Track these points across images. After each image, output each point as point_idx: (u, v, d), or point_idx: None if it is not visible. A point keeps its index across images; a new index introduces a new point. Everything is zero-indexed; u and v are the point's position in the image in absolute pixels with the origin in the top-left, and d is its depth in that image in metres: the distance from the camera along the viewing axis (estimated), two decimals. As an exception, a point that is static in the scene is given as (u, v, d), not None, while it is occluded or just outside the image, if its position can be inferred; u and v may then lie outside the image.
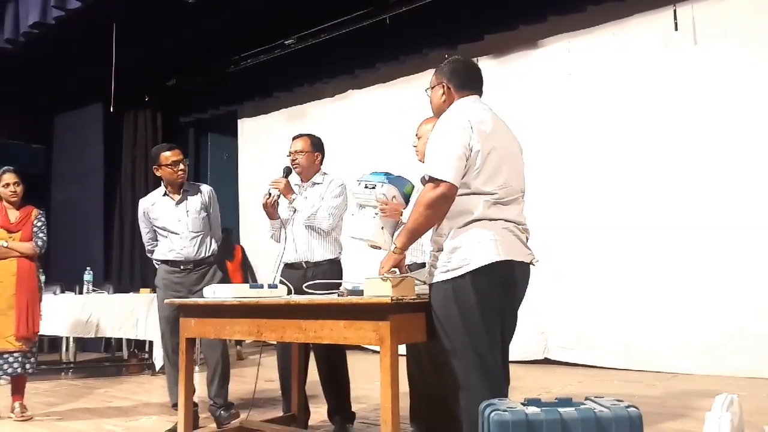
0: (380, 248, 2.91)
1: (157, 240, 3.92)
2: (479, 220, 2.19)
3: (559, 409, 1.77)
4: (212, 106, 8.65)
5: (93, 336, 6.01)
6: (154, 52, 7.67)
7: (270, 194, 3.53)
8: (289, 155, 3.61)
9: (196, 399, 3.50)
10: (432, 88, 2.48)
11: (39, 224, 4.31)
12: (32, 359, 4.21)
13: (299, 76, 7.51)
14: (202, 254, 3.85)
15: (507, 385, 2.29)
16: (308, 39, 6.78)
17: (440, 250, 2.23)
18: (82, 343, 7.06)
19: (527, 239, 2.32)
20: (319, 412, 3.74)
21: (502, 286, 2.21)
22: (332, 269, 3.48)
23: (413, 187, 2.94)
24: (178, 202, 3.86)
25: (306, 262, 3.48)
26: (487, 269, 2.15)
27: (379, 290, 2.22)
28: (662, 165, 5.39)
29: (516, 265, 2.23)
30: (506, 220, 2.23)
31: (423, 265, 2.82)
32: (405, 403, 2.51)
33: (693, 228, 5.18)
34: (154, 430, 3.83)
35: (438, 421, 2.93)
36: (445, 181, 2.15)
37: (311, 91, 7.77)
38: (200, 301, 2.95)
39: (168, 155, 3.82)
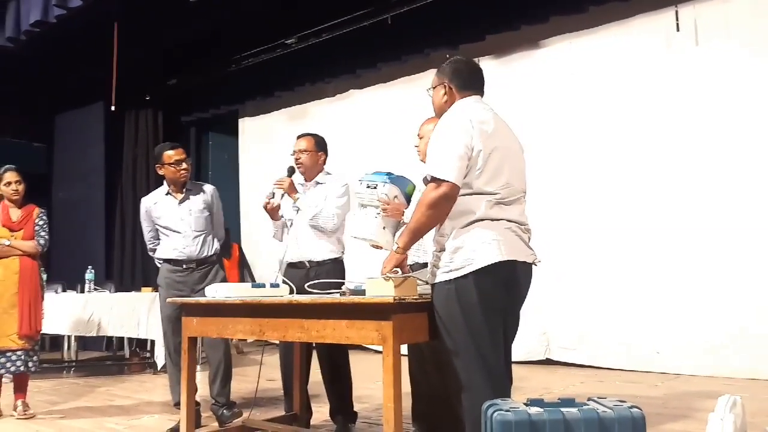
0: (382, 248, 2.91)
1: (158, 239, 3.92)
2: (481, 220, 2.19)
3: (562, 410, 1.78)
4: (213, 106, 8.66)
5: (95, 335, 6.03)
6: (155, 51, 7.68)
7: (273, 194, 3.51)
8: (293, 154, 3.61)
9: (198, 398, 3.51)
10: (433, 88, 2.49)
11: (41, 223, 4.32)
12: (35, 357, 4.23)
13: (300, 75, 7.51)
14: (205, 253, 3.85)
15: (510, 385, 2.29)
16: (310, 38, 6.78)
17: (442, 250, 2.24)
18: (83, 342, 7.07)
19: (529, 239, 2.33)
20: (321, 412, 3.75)
21: (504, 286, 2.21)
22: (335, 269, 3.48)
23: (415, 187, 2.94)
24: (181, 201, 3.86)
25: (309, 262, 3.48)
26: (490, 269, 2.15)
27: (381, 290, 2.23)
28: (663, 165, 5.39)
29: (518, 265, 2.23)
30: (508, 220, 2.23)
31: (425, 265, 2.82)
32: (407, 402, 2.51)
33: (694, 229, 5.18)
34: (155, 428, 3.83)
35: (440, 421, 2.93)
36: (447, 181, 2.15)
37: (313, 90, 7.77)
38: (202, 300, 2.95)
39: (171, 154, 3.82)
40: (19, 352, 4.12)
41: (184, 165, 3.84)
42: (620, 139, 5.62)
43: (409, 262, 2.92)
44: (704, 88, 5.24)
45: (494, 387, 2.10)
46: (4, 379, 4.25)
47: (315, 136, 3.67)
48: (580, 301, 5.69)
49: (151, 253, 4.01)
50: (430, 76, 2.57)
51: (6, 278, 4.14)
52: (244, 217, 8.69)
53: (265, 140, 8.55)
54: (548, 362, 5.79)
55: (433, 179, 2.18)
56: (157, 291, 6.02)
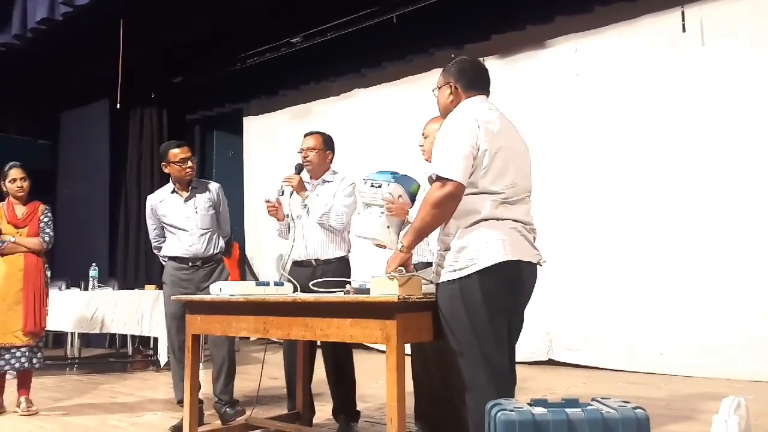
0: (386, 247, 2.91)
1: (164, 237, 3.94)
2: (486, 219, 2.19)
3: (566, 410, 1.77)
4: (218, 104, 8.67)
5: (98, 332, 6.03)
6: (160, 49, 7.68)
7: (282, 191, 3.50)
8: (300, 152, 3.61)
9: (201, 396, 3.51)
10: (439, 88, 2.49)
11: (46, 219, 4.33)
12: (39, 354, 4.23)
13: (305, 74, 7.52)
14: (211, 251, 3.86)
15: (513, 386, 2.29)
16: (315, 37, 6.78)
17: (447, 249, 2.24)
18: (86, 339, 7.08)
19: (534, 239, 2.32)
20: (323, 411, 3.75)
21: (509, 286, 2.21)
22: (341, 267, 3.49)
23: (419, 186, 2.95)
24: (187, 199, 3.87)
25: (316, 260, 3.49)
26: (495, 269, 2.15)
27: (385, 289, 2.23)
28: (669, 166, 5.38)
29: (523, 265, 2.23)
30: (514, 220, 2.23)
31: (429, 264, 2.82)
32: (409, 402, 2.51)
33: (699, 230, 5.17)
34: (158, 426, 3.84)
35: (442, 420, 2.93)
36: (453, 180, 2.15)
37: (317, 89, 7.77)
38: (206, 298, 2.95)
39: (176, 152, 3.83)
40: (23, 349, 4.13)
41: (190, 163, 3.85)
42: (625, 140, 5.61)
43: (413, 261, 2.92)
44: (710, 89, 5.23)
45: (498, 387, 2.10)
46: (7, 376, 4.27)
47: (323, 134, 3.67)
48: (583, 301, 5.68)
49: (155, 251, 4.02)
50: (434, 75, 2.56)
51: (11, 275, 4.15)
52: (248, 215, 8.70)
53: (270, 139, 8.56)
54: (551, 363, 5.78)
55: (439, 178, 2.18)
56: (160, 288, 6.05)
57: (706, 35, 5.26)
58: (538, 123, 5.52)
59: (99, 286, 6.18)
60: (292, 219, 3.54)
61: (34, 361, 4.19)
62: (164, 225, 3.90)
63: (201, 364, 4.02)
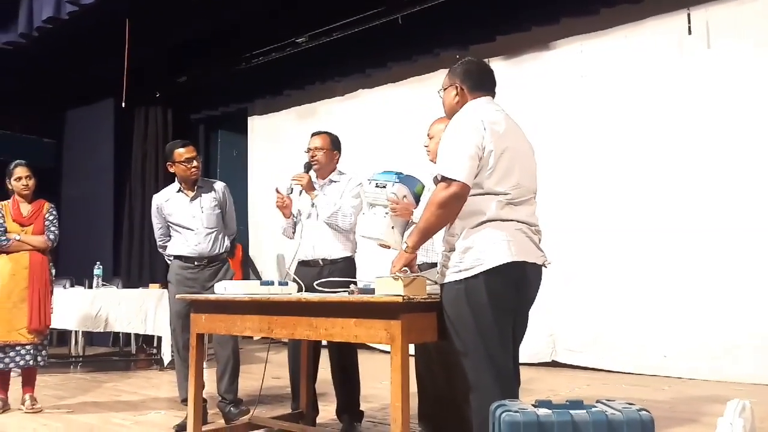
0: (390, 247, 2.91)
1: (169, 236, 3.95)
2: (492, 220, 2.19)
3: (571, 411, 1.77)
4: (223, 103, 8.68)
5: (102, 330, 6.05)
6: (165, 48, 7.70)
7: (291, 189, 3.50)
8: (308, 151, 3.61)
9: (204, 395, 3.51)
10: (445, 89, 2.49)
11: (51, 218, 4.34)
12: (43, 352, 4.25)
13: (310, 74, 7.53)
14: (216, 250, 3.87)
15: (518, 386, 2.29)
16: (320, 37, 6.78)
17: (452, 250, 2.24)
18: (90, 337, 7.10)
19: (540, 240, 2.32)
20: (327, 410, 3.75)
21: (514, 286, 2.21)
22: (348, 267, 3.50)
23: (424, 186, 2.95)
24: (193, 199, 3.88)
25: (323, 260, 3.49)
26: (500, 270, 2.15)
27: (390, 289, 2.22)
28: (674, 168, 5.37)
29: (528, 266, 2.23)
30: (519, 221, 2.23)
31: (434, 264, 2.82)
32: (413, 402, 2.51)
33: (704, 232, 5.15)
34: (162, 424, 3.84)
35: (446, 421, 2.94)
36: (458, 181, 2.15)
37: (322, 89, 7.78)
38: (211, 297, 2.96)
39: (182, 152, 3.84)
40: (28, 347, 4.15)
41: (195, 163, 3.86)
42: (630, 142, 5.60)
43: (418, 261, 2.92)
44: (716, 91, 5.22)
45: (502, 388, 2.10)
46: (12, 373, 4.28)
47: (330, 134, 3.68)
48: (587, 303, 5.67)
49: (161, 250, 4.03)
50: (440, 76, 2.57)
51: (16, 273, 4.17)
52: (252, 215, 8.71)
53: (274, 138, 8.57)
54: (554, 364, 5.77)
55: (444, 179, 2.18)
56: (164, 287, 6.07)
57: (712, 37, 5.25)
58: (543, 124, 5.52)
59: (103, 285, 6.20)
60: (300, 218, 3.54)
61: (39, 359, 4.21)
62: (170, 224, 3.91)
63: (205, 363, 4.03)
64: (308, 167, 3.56)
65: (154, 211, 3.97)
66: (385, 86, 7.35)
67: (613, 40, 5.77)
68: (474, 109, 2.31)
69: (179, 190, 3.91)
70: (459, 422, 2.66)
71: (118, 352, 7.18)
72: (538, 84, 6.10)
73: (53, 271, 4.42)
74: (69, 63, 7.51)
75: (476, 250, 2.17)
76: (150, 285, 6.43)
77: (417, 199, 2.88)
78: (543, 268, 2.33)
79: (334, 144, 3.65)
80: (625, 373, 5.35)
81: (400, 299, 2.15)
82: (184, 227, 3.85)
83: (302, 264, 3.54)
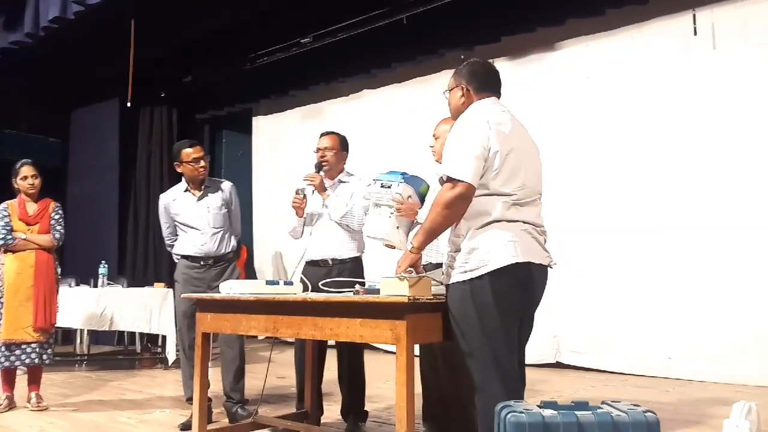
0: (395, 247, 2.92)
1: (176, 235, 3.96)
2: (498, 221, 2.19)
3: (576, 413, 1.77)
4: (228, 103, 8.69)
5: (107, 329, 6.07)
6: (171, 48, 7.71)
7: (304, 189, 3.50)
8: (317, 151, 3.61)
9: (209, 394, 3.52)
10: (450, 90, 2.49)
11: (56, 217, 4.36)
12: (49, 350, 4.26)
13: (315, 74, 7.53)
14: (223, 250, 3.88)
15: (523, 387, 2.29)
16: (325, 38, 6.78)
17: (458, 250, 2.24)
18: (95, 336, 7.12)
19: (545, 241, 2.32)
20: (331, 410, 3.76)
21: (520, 287, 2.21)
22: (357, 267, 3.52)
23: (429, 187, 2.95)
24: (200, 198, 3.89)
25: (333, 260, 3.49)
26: (506, 270, 2.15)
27: (395, 289, 2.23)
28: (679, 170, 5.36)
29: (534, 267, 2.23)
30: (524, 222, 2.23)
31: (439, 265, 2.82)
32: (417, 403, 2.52)
33: (710, 234, 5.14)
34: (167, 423, 3.86)
35: (451, 421, 2.94)
36: (463, 181, 2.15)
37: (327, 89, 7.79)
38: (217, 296, 2.96)
39: (189, 152, 3.85)
40: (33, 345, 4.16)
41: (203, 162, 3.88)
42: (635, 143, 5.59)
43: (423, 262, 2.92)
44: (721, 92, 5.20)
45: (508, 389, 2.10)
46: (18, 372, 4.30)
47: (339, 135, 3.68)
48: (591, 304, 5.66)
49: (169, 249, 4.04)
50: (444, 76, 2.57)
51: (22, 271, 4.18)
52: (257, 214, 8.72)
53: (279, 139, 8.59)
54: (558, 365, 5.77)
55: (449, 179, 2.18)
56: (169, 286, 6.09)
57: (718, 38, 5.23)
58: (547, 125, 5.51)
59: (108, 284, 6.21)
60: (311, 218, 3.53)
61: (44, 357, 4.22)
62: (176, 223, 3.92)
63: (210, 363, 4.04)
64: (319, 167, 3.56)
65: (161, 211, 3.98)
66: (389, 87, 7.35)
67: (619, 41, 5.76)
68: (479, 110, 2.32)
69: (186, 190, 3.92)
70: (464, 423, 2.67)
71: (123, 351, 7.20)
72: (543, 85, 6.09)
73: (59, 270, 4.44)
74: (75, 63, 7.53)
75: (482, 251, 2.17)
76: (155, 284, 6.44)
77: (422, 200, 2.89)
78: (549, 269, 2.33)
79: (342, 144, 3.66)
80: (629, 374, 5.34)
81: (405, 299, 2.16)
82: (190, 227, 3.86)
83: (310, 264, 3.54)
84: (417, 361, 2.42)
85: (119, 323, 5.94)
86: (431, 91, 5.67)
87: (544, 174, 2.42)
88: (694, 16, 5.33)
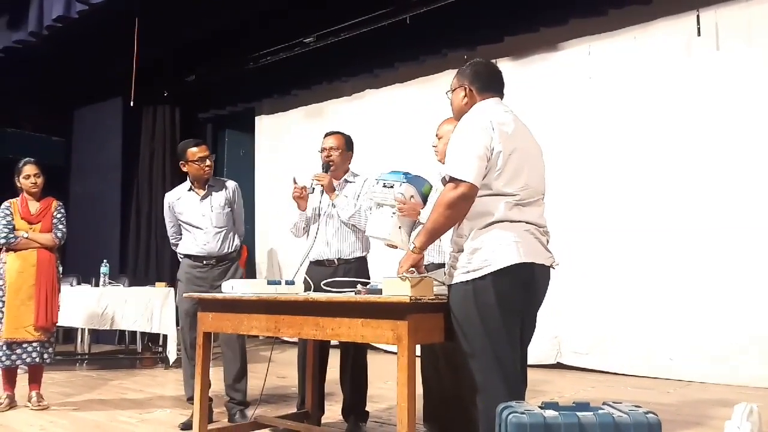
0: (397, 247, 2.91)
1: (181, 234, 3.96)
2: (500, 221, 2.19)
3: (577, 413, 1.77)
4: (230, 103, 8.70)
5: (108, 328, 6.07)
6: (174, 47, 7.72)
7: (313, 188, 3.48)
8: (322, 151, 3.60)
9: (210, 393, 3.52)
10: (453, 90, 2.49)
11: (59, 216, 4.36)
12: (50, 349, 4.26)
13: (318, 74, 7.53)
14: (225, 250, 3.88)
15: (524, 388, 2.29)
16: (328, 37, 6.79)
17: (461, 251, 2.23)
18: (96, 335, 7.12)
19: (548, 242, 2.32)
20: (331, 410, 3.75)
21: (522, 288, 2.20)
22: (362, 267, 3.52)
23: (431, 187, 2.95)
24: (203, 197, 3.90)
25: (338, 259, 3.49)
26: (508, 271, 2.15)
27: (397, 290, 2.23)
28: (682, 171, 5.35)
29: (537, 267, 2.23)
30: (527, 222, 2.23)
31: (441, 265, 2.82)
32: (418, 403, 2.51)
33: (711, 235, 5.13)
34: (168, 422, 3.85)
35: (452, 422, 2.93)
36: (466, 182, 2.15)
37: (330, 89, 7.79)
38: (218, 295, 2.96)
39: (195, 151, 3.86)
40: (35, 344, 4.16)
41: (208, 162, 3.88)
42: (638, 144, 5.58)
43: (425, 262, 2.92)
44: (725, 93, 5.19)
45: (509, 389, 2.10)
46: (18, 370, 4.30)
47: (344, 134, 3.68)
48: (592, 305, 5.66)
49: (174, 248, 4.05)
50: (447, 76, 2.57)
51: (24, 270, 4.18)
52: (259, 214, 8.72)
53: (281, 138, 8.59)
54: (559, 366, 5.76)
55: (452, 179, 2.18)
56: (171, 286, 6.09)
57: (721, 39, 5.22)
58: (550, 125, 5.50)
59: (110, 283, 6.21)
60: (317, 217, 3.53)
61: (45, 356, 4.22)
62: (180, 222, 3.93)
63: (211, 362, 4.04)
64: (327, 167, 3.55)
65: (166, 210, 3.99)
66: (392, 86, 7.35)
67: (622, 41, 5.75)
68: (483, 110, 2.31)
69: (190, 189, 3.93)
70: (465, 423, 2.66)
71: (124, 350, 7.20)
72: (546, 85, 6.08)
73: (60, 269, 4.43)
74: (78, 62, 7.54)
75: (484, 251, 2.17)
76: (156, 283, 6.43)
77: (424, 200, 2.88)
78: (551, 269, 2.32)
79: (348, 144, 3.65)
80: (630, 375, 5.33)
81: (407, 300, 2.15)
82: (193, 226, 3.87)
83: (315, 264, 3.53)
84: (418, 361, 2.42)
85: (120, 322, 5.94)
86: (434, 91, 5.67)
87: (547, 174, 2.42)
88: (698, 16, 5.32)
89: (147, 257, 8.35)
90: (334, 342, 3.31)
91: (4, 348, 4.11)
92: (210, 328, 3.04)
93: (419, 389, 2.58)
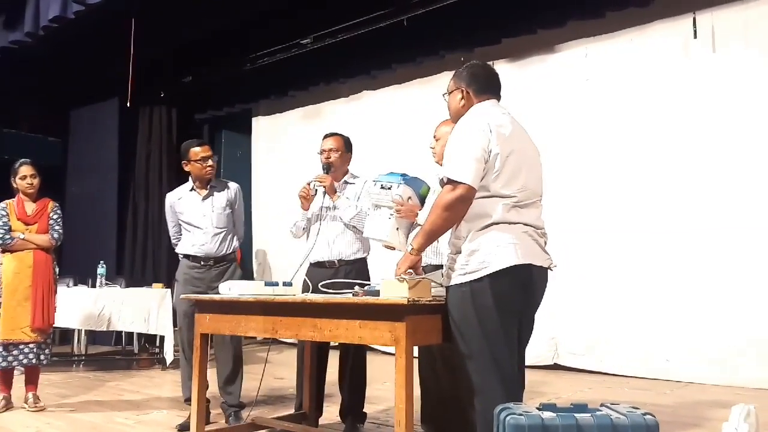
0: (394, 249, 2.92)
1: (182, 234, 3.96)
2: (498, 223, 2.19)
3: (575, 415, 1.77)
4: (227, 104, 8.68)
5: (105, 329, 6.05)
6: (171, 48, 7.71)
7: (315, 190, 3.49)
8: (322, 153, 3.60)
9: (208, 395, 3.51)
10: (450, 93, 2.49)
11: (55, 216, 4.35)
12: (46, 350, 4.26)
13: (315, 75, 7.53)
14: (224, 251, 3.88)
15: (522, 390, 2.29)
16: (325, 39, 6.78)
17: (458, 252, 2.24)
18: (92, 336, 7.11)
19: (545, 243, 2.32)
20: (329, 411, 3.75)
21: (520, 289, 2.21)
22: (363, 268, 3.52)
23: (429, 188, 2.95)
24: (205, 198, 3.90)
25: (340, 261, 3.49)
26: (506, 272, 2.15)
27: (395, 291, 2.23)
28: (678, 172, 5.36)
29: (535, 269, 2.23)
30: (525, 224, 2.23)
31: (438, 267, 2.82)
32: (416, 404, 2.51)
33: (708, 237, 5.15)
34: (165, 424, 3.85)
35: (450, 423, 2.93)
36: (464, 183, 2.16)
37: (327, 90, 7.78)
38: (216, 297, 2.96)
39: (197, 151, 3.86)
40: (31, 345, 4.15)
41: (210, 162, 3.89)
42: (635, 145, 5.59)
43: (423, 263, 2.92)
44: (721, 95, 5.21)
45: (507, 391, 2.10)
46: (15, 372, 4.28)
47: (343, 136, 3.68)
48: (589, 306, 5.66)
49: (175, 248, 4.04)
50: (444, 77, 2.57)
51: (20, 271, 4.17)
52: (256, 215, 8.71)
53: (278, 139, 8.58)
54: (556, 367, 5.77)
55: (450, 181, 2.18)
56: (168, 287, 6.08)
57: (718, 42, 5.24)
58: (547, 127, 5.50)
59: (106, 284, 6.20)
60: (317, 219, 3.52)
61: (42, 357, 4.21)
62: (181, 222, 3.93)
63: (209, 363, 4.03)
64: (328, 169, 3.55)
65: (167, 209, 3.99)
66: (389, 88, 7.35)
67: (619, 43, 5.76)
68: (480, 112, 2.32)
69: (192, 189, 3.93)
70: (463, 424, 2.66)
71: (121, 351, 7.18)
72: (543, 87, 6.09)
73: (57, 270, 4.42)
74: (75, 62, 7.52)
75: (482, 253, 2.17)
76: (153, 284, 6.42)
77: (422, 201, 2.89)
78: (549, 271, 2.33)
79: (347, 145, 3.66)
80: (627, 376, 5.34)
81: (405, 301, 2.16)
82: (193, 226, 3.86)
83: (315, 265, 3.52)
84: (416, 362, 2.41)
85: (117, 323, 5.92)
86: (431, 92, 5.64)
87: (544, 176, 2.42)
88: (695, 19, 5.33)
89: (144, 258, 8.33)
90: (333, 343, 3.31)
91: (1, 349, 4.09)
92: (207, 330, 3.04)
93: (416, 390, 2.58)
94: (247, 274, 8.22)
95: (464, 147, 2.21)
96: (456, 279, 2.22)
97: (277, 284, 2.91)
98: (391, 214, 2.84)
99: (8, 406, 4.18)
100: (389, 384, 2.15)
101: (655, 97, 5.53)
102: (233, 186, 4.04)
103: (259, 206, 8.67)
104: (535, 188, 2.32)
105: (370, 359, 3.64)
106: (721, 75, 5.23)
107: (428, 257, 3.06)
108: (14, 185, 4.32)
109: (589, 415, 1.77)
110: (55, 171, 8.43)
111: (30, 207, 4.30)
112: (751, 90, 5.09)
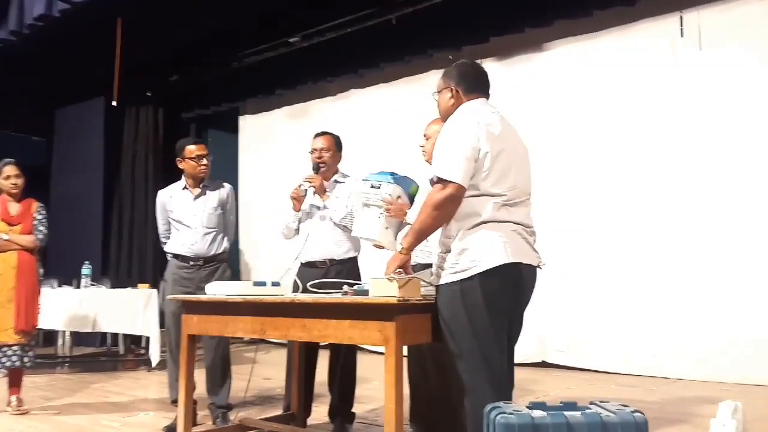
0: (384, 248, 2.90)
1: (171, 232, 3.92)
2: (488, 222, 2.19)
3: (565, 413, 1.77)
4: (214, 103, 8.62)
5: (90, 330, 6.00)
6: (157, 47, 7.64)
7: (305, 190, 3.48)
8: (313, 152, 3.58)
9: (194, 396, 3.48)
10: (439, 91, 2.48)
11: (39, 217, 4.29)
12: (30, 353, 4.20)
13: (303, 74, 7.49)
14: (213, 251, 3.84)
15: (512, 388, 2.29)
16: (313, 37, 6.76)
17: (448, 251, 2.23)
18: (77, 338, 7.03)
19: (534, 242, 2.32)
20: (318, 411, 3.73)
21: (510, 288, 2.21)
22: (354, 268, 3.50)
23: (418, 187, 2.94)
24: (197, 197, 3.86)
25: (330, 260, 3.47)
26: (496, 271, 2.15)
27: (385, 290, 2.22)
28: (665, 170, 5.40)
29: (524, 267, 2.23)
30: (515, 223, 2.23)
31: (428, 266, 2.81)
32: (405, 404, 2.50)
33: (693, 234, 5.19)
34: (151, 426, 3.81)
35: (439, 422, 2.93)
36: (453, 182, 2.15)
37: (314, 89, 7.75)
38: (203, 297, 2.93)
39: (192, 149, 3.84)
40: (15, 347, 4.10)
41: (204, 161, 3.86)
42: (622, 144, 5.62)
43: (412, 262, 2.91)
44: (708, 94, 5.25)
45: (497, 390, 2.10)
46: (-1, 374, 4.24)
47: (334, 135, 3.66)
48: (576, 304, 5.69)
49: (163, 246, 4.00)
50: (432, 76, 2.57)
51: (4, 272, 4.12)
52: (242, 214, 8.63)
53: (266, 138, 8.55)
54: (543, 365, 5.78)
55: (440, 180, 2.18)
56: (153, 287, 6.04)
57: (704, 40, 5.27)
58: (534, 126, 5.50)
59: (91, 285, 6.14)
60: (307, 218, 3.50)
61: (26, 359, 4.15)
62: (171, 220, 3.89)
63: (196, 364, 4.00)
64: (317, 169, 3.53)
65: (158, 208, 3.95)
66: (377, 86, 7.34)
67: (606, 42, 5.79)
68: (470, 111, 2.31)
69: (185, 188, 3.90)
70: (452, 424, 2.66)
71: (106, 353, 7.12)
72: (530, 85, 6.11)
73: (41, 271, 4.37)
74: (60, 61, 7.43)
75: (472, 252, 2.17)
76: (139, 285, 6.37)
77: (411, 200, 2.88)
78: (538, 269, 2.33)
79: (338, 144, 3.64)
80: (614, 373, 5.37)
81: (394, 301, 2.15)
82: (183, 224, 3.83)
83: (306, 265, 3.50)
84: (405, 361, 2.41)
85: (102, 324, 5.87)
86: (419, 91, 5.65)
87: (532, 174, 2.42)
88: (681, 17, 5.37)
89: (129, 258, 8.26)
90: (323, 343, 3.29)
91: (-16, 352, 4.04)
92: (195, 331, 3.01)
93: (406, 389, 2.57)
94: (234, 274, 8.18)
95: (454, 146, 2.20)
96: (446, 278, 2.21)
97: (265, 284, 2.89)
98: (381, 213, 2.83)
99: (-8, 409, 4.13)
100: (378, 383, 2.14)
101: (642, 95, 5.56)
102: (227, 187, 4.01)
103: (245, 205, 8.60)
104: (525, 187, 2.32)
105: (359, 358, 3.63)
106: (708, 73, 5.27)
107: (418, 256, 3.05)
108: (-2, 185, 4.26)
109: (579, 413, 1.78)
110: (40, 171, 8.32)
111: (14, 207, 4.25)
112: (738, 88, 5.13)
